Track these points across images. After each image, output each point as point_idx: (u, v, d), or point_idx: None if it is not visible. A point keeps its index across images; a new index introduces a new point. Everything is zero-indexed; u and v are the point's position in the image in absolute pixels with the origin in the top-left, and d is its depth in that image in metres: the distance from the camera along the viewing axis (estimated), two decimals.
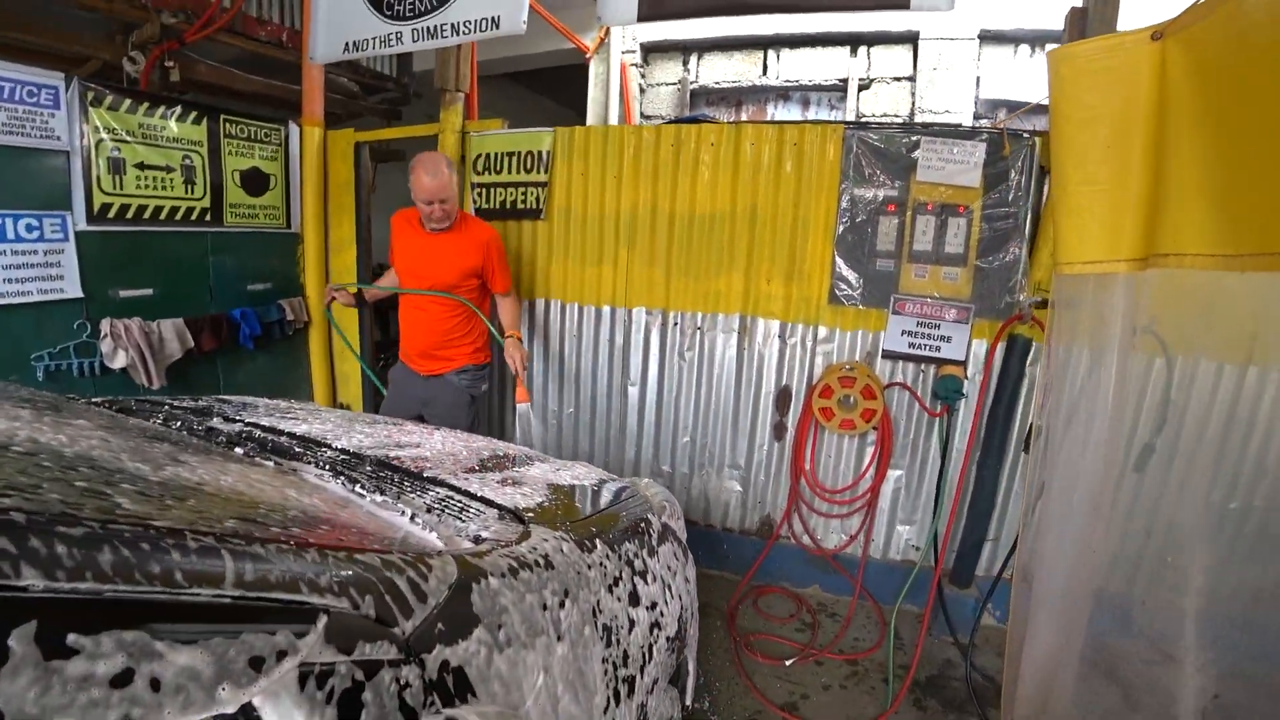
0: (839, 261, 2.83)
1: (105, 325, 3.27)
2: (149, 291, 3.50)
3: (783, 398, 3.01)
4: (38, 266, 3.09)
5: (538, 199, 3.35)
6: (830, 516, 3.00)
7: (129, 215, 3.38)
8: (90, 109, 3.15)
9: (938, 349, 2.71)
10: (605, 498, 1.61)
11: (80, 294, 3.22)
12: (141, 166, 3.38)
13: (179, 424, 1.66)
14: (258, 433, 1.69)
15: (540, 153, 3.31)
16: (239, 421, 1.84)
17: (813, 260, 2.87)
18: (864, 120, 4.70)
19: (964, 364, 2.69)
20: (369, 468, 1.52)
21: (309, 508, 1.03)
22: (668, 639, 1.43)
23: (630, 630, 1.28)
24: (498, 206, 3.48)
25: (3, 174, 2.95)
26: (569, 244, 3.34)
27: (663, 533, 1.59)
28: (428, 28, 3.03)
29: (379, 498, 1.24)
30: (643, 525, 1.52)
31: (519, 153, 3.37)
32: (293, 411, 2.12)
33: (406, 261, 2.96)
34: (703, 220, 3.02)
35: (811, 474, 2.97)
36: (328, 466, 1.44)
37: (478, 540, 1.14)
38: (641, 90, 5.25)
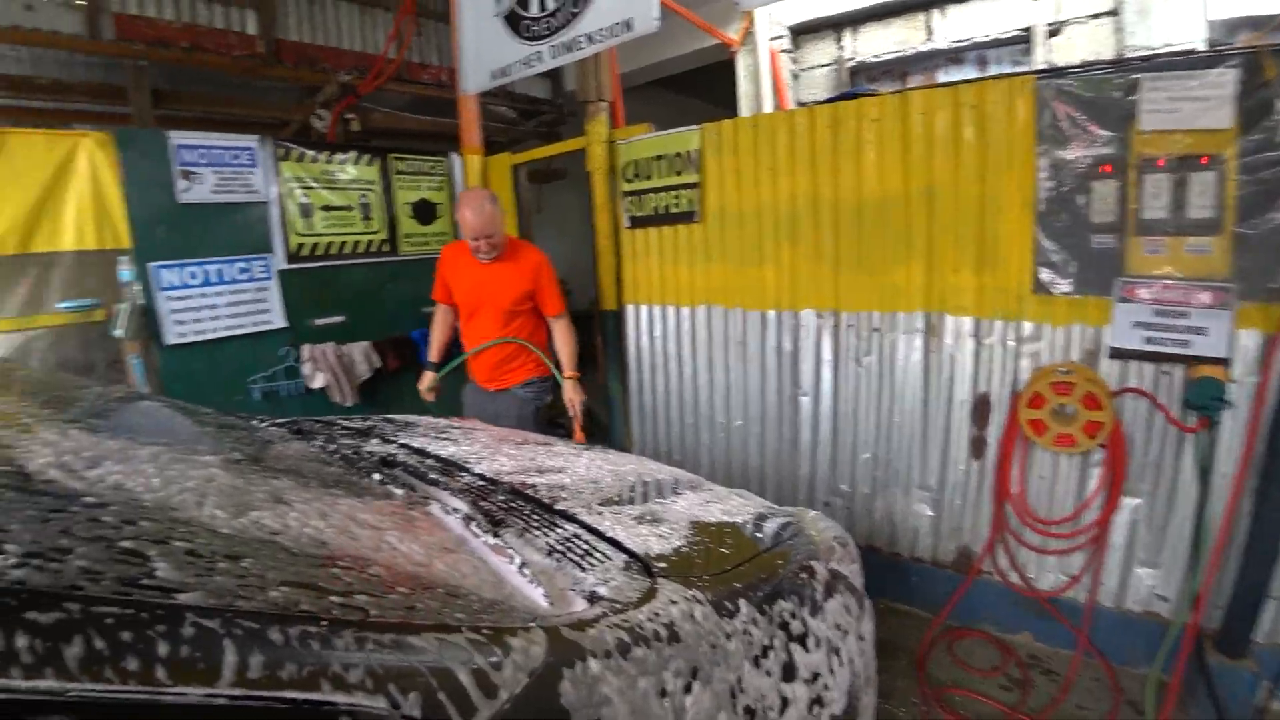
0: (1042, 241, 2.35)
1: (306, 350, 3.62)
2: (340, 318, 3.81)
3: (980, 408, 2.55)
4: (250, 303, 3.48)
5: (691, 201, 3.18)
6: (1045, 552, 2.48)
7: (319, 252, 3.69)
8: (280, 163, 3.48)
9: (1187, 344, 2.13)
10: (759, 539, 1.37)
11: (285, 324, 3.60)
12: (326, 208, 3.68)
13: (335, 447, 1.66)
14: (401, 456, 1.65)
15: (689, 153, 3.14)
16: (393, 443, 1.84)
17: (1008, 243, 2.41)
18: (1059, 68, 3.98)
19: (1227, 363, 2.09)
20: (501, 497, 1.41)
21: (400, 560, 0.91)
22: (833, 717, 1.16)
23: (782, 711, 1.03)
24: (651, 213, 3.35)
25: (219, 226, 3.34)
26: (726, 246, 3.13)
27: (831, 582, 1.31)
28: (564, 43, 2.98)
29: (494, 540, 1.11)
30: (805, 575, 1.26)
31: (668, 155, 3.22)
32: (449, 431, 2.10)
33: (463, 291, 3.02)
34: (872, 206, 2.66)
35: (1020, 499, 2.49)
36: (459, 495, 1.36)
37: (593, 598, 0.96)
38: (795, 76, 4.91)
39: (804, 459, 3.05)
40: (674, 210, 3.26)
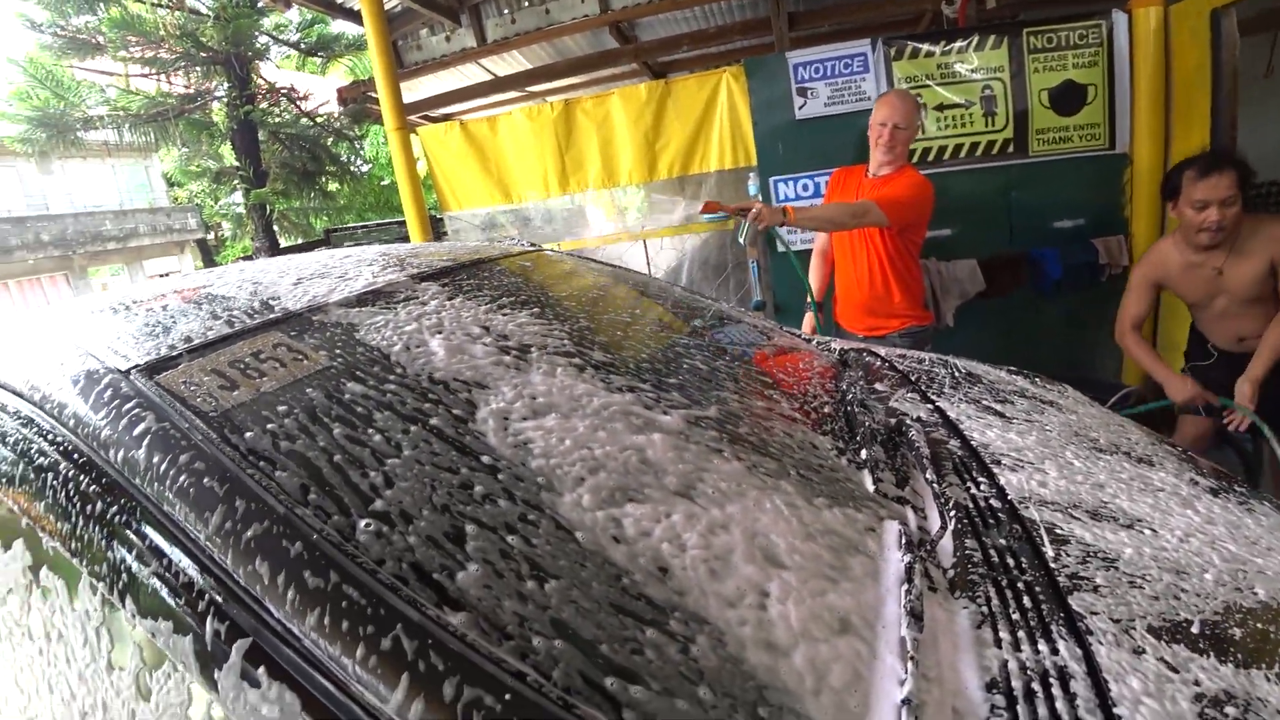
0: None
1: None
2: (946, 232, 3.45)
3: None
4: None
5: None
6: None
7: (929, 159, 3.38)
8: (893, 64, 3.22)
9: None
10: None
11: None
12: (941, 108, 3.30)
13: (854, 394, 1.47)
14: (914, 431, 1.30)
15: None
16: (931, 403, 1.52)
17: None
18: None
19: None
20: (1000, 542, 0.93)
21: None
22: None
23: None
24: None
25: (831, 138, 3.37)
26: None
27: None
28: None
29: (911, 630, 0.70)
30: None
31: None
32: (1013, 399, 1.62)
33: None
34: None
35: None
36: (947, 514, 0.99)
37: None
38: None
39: None
40: None
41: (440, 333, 1.14)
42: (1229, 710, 0.68)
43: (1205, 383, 2.41)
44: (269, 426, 0.79)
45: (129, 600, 0.67)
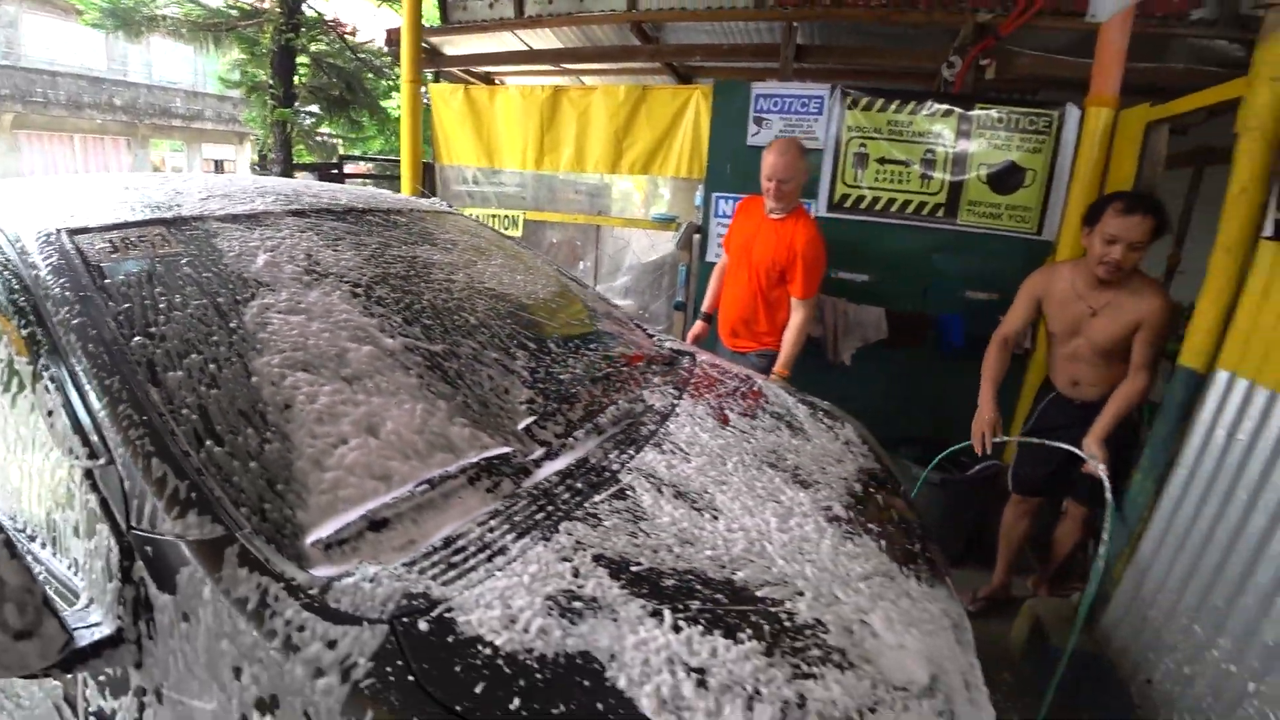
0: None
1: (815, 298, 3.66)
2: (864, 277, 3.68)
3: None
4: None
5: None
6: None
7: (862, 206, 3.63)
8: (846, 112, 3.47)
9: None
10: None
11: None
12: (882, 161, 3.55)
13: (619, 373, 1.74)
14: (613, 408, 1.59)
15: None
16: (676, 399, 1.77)
17: None
18: None
19: None
20: (570, 496, 1.26)
21: None
22: None
23: None
24: None
25: None
26: None
27: None
28: None
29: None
30: None
31: None
32: (759, 414, 1.79)
33: (739, 240, 2.97)
34: None
35: None
36: (569, 465, 1.30)
37: None
38: None
39: None
40: None
41: (271, 250, 1.49)
42: (576, 605, 0.93)
43: (1038, 419, 2.68)
44: (119, 278, 1.21)
45: (38, 374, 1.08)
